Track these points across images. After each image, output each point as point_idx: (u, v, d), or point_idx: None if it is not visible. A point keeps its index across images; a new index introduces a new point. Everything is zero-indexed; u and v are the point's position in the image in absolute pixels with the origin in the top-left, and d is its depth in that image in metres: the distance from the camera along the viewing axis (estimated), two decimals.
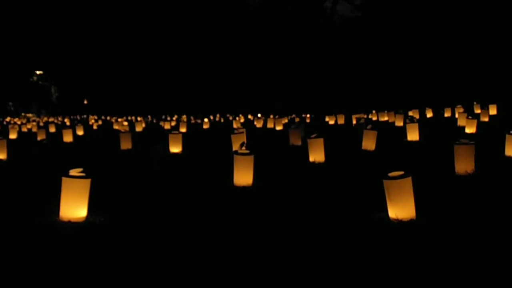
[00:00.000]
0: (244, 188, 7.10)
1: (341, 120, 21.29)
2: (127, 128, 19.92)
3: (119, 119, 35.08)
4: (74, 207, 5.36)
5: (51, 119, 40.87)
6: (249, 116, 35.25)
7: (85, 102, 60.90)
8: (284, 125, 20.05)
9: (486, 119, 16.68)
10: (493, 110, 19.10)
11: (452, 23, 39.59)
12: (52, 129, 21.56)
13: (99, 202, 5.78)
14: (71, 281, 3.77)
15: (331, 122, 21.75)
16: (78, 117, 45.72)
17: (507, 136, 9.07)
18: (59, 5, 54.08)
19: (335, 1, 49.78)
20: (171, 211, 5.97)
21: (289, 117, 29.72)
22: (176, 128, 19.72)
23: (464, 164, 7.52)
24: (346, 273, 3.81)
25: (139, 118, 35.59)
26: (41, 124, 29.43)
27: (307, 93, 46.10)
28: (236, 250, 4.43)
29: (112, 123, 28.73)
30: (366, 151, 10.65)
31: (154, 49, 52.28)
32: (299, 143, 12.11)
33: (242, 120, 27.64)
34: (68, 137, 15.89)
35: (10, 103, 59.03)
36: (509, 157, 8.86)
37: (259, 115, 34.49)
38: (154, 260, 4.17)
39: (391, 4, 45.06)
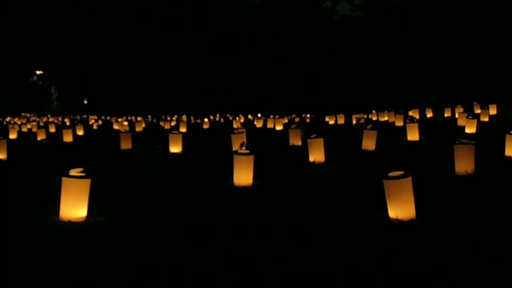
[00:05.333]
0: (244, 188, 7.10)
1: (341, 120, 21.28)
2: (127, 128, 19.93)
3: (119, 119, 35.07)
4: (74, 207, 5.36)
5: (51, 119, 40.85)
6: (249, 116, 35.23)
7: (85, 102, 60.88)
8: (284, 125, 20.05)
9: (486, 119, 16.68)
10: (493, 110, 19.10)
11: (453, 23, 39.58)
12: (52, 129, 21.56)
13: (99, 202, 5.78)
14: (71, 281, 3.77)
15: (331, 122, 21.75)
16: (78, 117, 45.70)
17: (507, 136, 9.07)
18: (59, 5, 54.07)
19: (335, 0, 49.78)
20: (171, 211, 5.97)
21: (289, 117, 29.71)
22: (176, 128, 19.71)
23: (464, 164, 7.52)
24: (346, 273, 3.81)
25: (139, 118, 35.59)
26: (41, 124, 29.42)
27: (307, 93, 46.08)
28: (236, 250, 4.43)
29: (112, 123, 28.72)
30: (366, 151, 10.65)
31: (154, 49, 52.28)
32: (299, 143, 12.11)
33: (242, 120, 27.63)
34: (68, 137, 15.89)
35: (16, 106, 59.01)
36: (509, 157, 8.86)
37: (259, 115, 34.47)
38: (154, 260, 4.17)
39: (391, 4, 45.07)
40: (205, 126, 23.28)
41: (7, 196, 6.94)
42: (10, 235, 4.98)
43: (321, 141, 9.47)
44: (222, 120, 33.47)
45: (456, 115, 17.76)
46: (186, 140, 12.16)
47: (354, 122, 19.38)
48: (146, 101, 51.96)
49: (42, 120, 41.64)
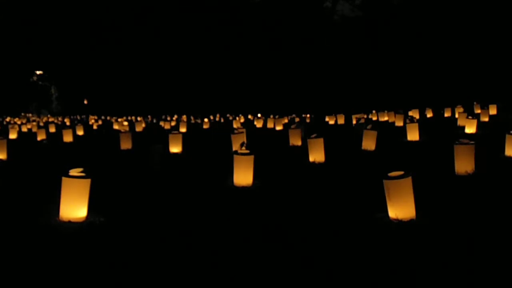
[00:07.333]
0: (244, 188, 7.10)
1: (341, 120, 21.30)
2: (127, 128, 19.93)
3: (119, 119, 35.07)
4: (74, 207, 5.35)
5: (51, 119, 40.85)
6: (249, 116, 35.25)
7: (85, 102, 60.86)
8: (284, 125, 20.05)
9: (486, 119, 16.69)
10: (493, 110, 19.12)
11: (453, 23, 39.58)
12: (52, 129, 21.56)
13: (99, 202, 5.78)
14: (71, 281, 3.77)
15: (331, 122, 21.77)
16: (78, 117, 45.70)
17: (507, 136, 9.08)
18: (59, 5, 54.06)
19: (335, 0, 49.76)
20: (171, 211, 5.97)
21: (289, 117, 29.71)
22: (176, 128, 19.72)
23: (464, 164, 7.52)
24: (347, 273, 3.81)
25: (139, 118, 35.60)
26: (41, 124, 29.42)
27: (307, 93, 46.07)
28: (236, 250, 4.43)
29: (112, 123, 28.72)
30: (366, 151, 10.65)
31: (154, 49, 52.27)
32: (299, 143, 12.11)
33: (242, 120, 27.63)
34: (68, 137, 15.90)
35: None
36: (509, 157, 8.86)
37: (259, 115, 34.48)
38: (153, 260, 4.17)
39: (391, 4, 45.08)
40: (205, 126, 23.29)
41: (7, 196, 6.94)
42: (10, 235, 4.98)
43: (321, 141, 9.47)
44: (222, 120, 33.47)
45: (456, 115, 17.78)
46: (186, 140, 12.16)
47: (354, 122, 19.39)
48: (146, 101, 51.95)
49: (42, 120, 41.62)
